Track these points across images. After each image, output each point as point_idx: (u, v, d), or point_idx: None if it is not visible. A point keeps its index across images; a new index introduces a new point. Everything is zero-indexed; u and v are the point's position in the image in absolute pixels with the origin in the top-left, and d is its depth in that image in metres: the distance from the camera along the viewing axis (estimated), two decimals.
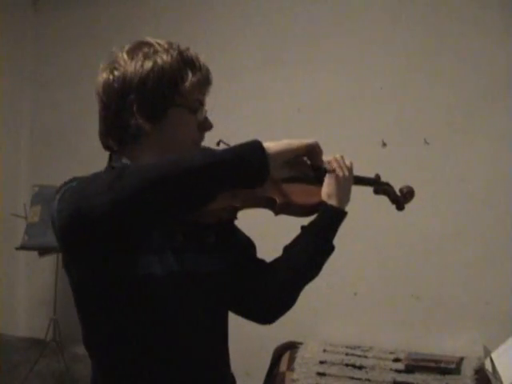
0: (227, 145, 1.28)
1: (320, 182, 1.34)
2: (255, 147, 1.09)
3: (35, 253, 3.68)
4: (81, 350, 4.27)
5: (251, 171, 1.09)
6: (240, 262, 1.37)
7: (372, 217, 2.79)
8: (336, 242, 1.42)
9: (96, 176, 1.11)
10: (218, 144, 1.32)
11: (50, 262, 3.70)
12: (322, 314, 3.08)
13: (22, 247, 3.52)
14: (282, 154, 1.13)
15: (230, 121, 3.09)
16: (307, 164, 1.23)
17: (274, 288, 1.37)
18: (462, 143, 2.92)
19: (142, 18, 3.83)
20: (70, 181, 1.15)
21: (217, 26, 3.53)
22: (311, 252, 1.36)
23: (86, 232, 1.06)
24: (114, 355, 1.22)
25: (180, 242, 1.25)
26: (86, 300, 1.23)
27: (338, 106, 3.17)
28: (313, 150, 1.21)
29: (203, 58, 1.28)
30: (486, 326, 2.79)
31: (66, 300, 4.25)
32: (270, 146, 1.11)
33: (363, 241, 3.00)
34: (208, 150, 1.13)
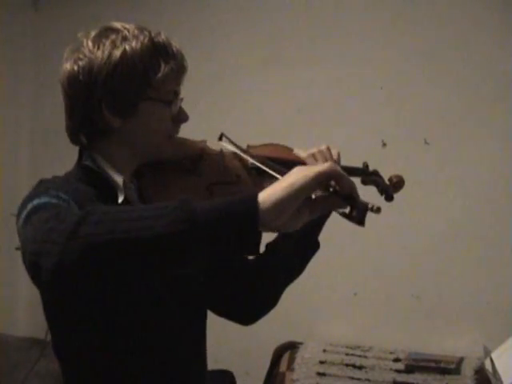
0: (229, 139, 1.23)
1: (361, 223, 0.96)
2: (244, 207, 0.81)
3: None
4: None
5: (235, 240, 0.81)
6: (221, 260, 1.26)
7: (371, 217, 2.78)
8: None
9: (57, 218, 0.93)
10: (221, 138, 1.26)
11: None
12: (321, 314, 3.08)
13: None
14: (284, 205, 0.82)
15: (229, 121, 3.09)
16: (337, 192, 0.91)
17: (257, 287, 1.32)
18: (462, 143, 2.92)
19: (142, 17, 3.81)
20: (35, 195, 1.04)
21: (216, 26, 3.53)
22: (295, 250, 1.30)
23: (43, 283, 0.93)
24: (87, 364, 1.15)
25: None
26: (58, 313, 1.16)
27: (337, 106, 3.16)
28: (329, 179, 0.88)
29: (177, 43, 1.17)
30: (486, 326, 2.79)
31: None
32: (266, 197, 0.82)
33: (363, 241, 3.00)
34: (184, 204, 0.84)
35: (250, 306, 1.35)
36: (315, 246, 1.33)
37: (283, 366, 2.89)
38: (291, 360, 2.88)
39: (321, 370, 2.80)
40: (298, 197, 0.84)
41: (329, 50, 3.21)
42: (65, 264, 0.86)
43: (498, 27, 2.87)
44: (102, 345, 1.14)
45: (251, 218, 0.80)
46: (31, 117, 4.26)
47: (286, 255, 1.30)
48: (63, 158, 4.61)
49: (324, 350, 2.90)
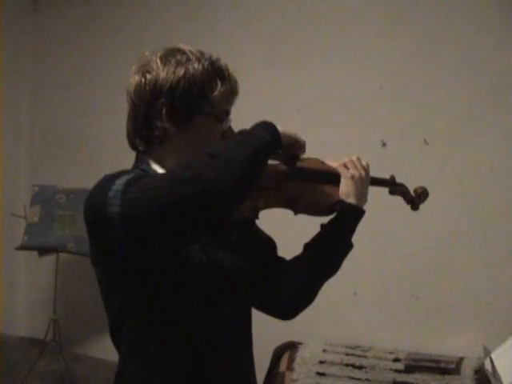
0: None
1: (317, 185, 1.41)
2: (274, 126, 1.22)
3: (35, 253, 3.68)
4: (80, 349, 4.29)
5: (276, 146, 1.23)
6: (260, 260, 1.40)
7: (371, 217, 2.78)
8: None
9: (190, 167, 1.13)
10: None
11: (50, 261, 3.70)
12: (321, 314, 3.07)
13: (22, 247, 3.52)
14: (284, 137, 1.25)
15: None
16: (288, 154, 1.34)
17: (295, 285, 1.42)
18: (462, 143, 2.92)
19: (142, 17, 3.84)
20: (124, 173, 1.16)
21: (216, 26, 3.53)
22: (331, 249, 1.41)
23: (208, 213, 1.09)
24: (143, 343, 1.26)
25: (203, 238, 1.28)
26: (121, 290, 1.25)
27: (337, 106, 3.17)
28: (299, 143, 1.31)
29: (231, 69, 1.33)
30: (486, 326, 2.79)
31: (66, 300, 4.26)
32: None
33: (363, 241, 2.99)
34: (246, 132, 1.22)
35: (289, 302, 1.45)
36: (349, 247, 1.44)
37: (283, 366, 2.90)
38: (291, 360, 2.89)
39: (321, 370, 2.80)
40: (286, 136, 1.26)
41: (329, 50, 3.21)
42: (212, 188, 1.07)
43: (498, 27, 2.86)
44: (159, 323, 1.25)
45: (275, 129, 1.22)
46: (31, 117, 4.26)
47: (322, 255, 1.41)
48: (63, 158, 4.62)
49: (324, 350, 2.90)
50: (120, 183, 1.11)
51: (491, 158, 2.86)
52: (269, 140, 1.18)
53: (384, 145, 3.05)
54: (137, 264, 1.19)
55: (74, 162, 3.93)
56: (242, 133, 1.21)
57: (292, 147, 1.31)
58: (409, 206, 1.60)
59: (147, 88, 1.26)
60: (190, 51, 1.29)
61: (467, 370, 2.61)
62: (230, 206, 1.13)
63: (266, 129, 1.21)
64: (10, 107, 4.11)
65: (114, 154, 3.59)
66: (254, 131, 1.20)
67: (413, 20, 3.04)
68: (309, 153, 1.36)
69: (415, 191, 1.59)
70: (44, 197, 3.55)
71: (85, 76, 4.01)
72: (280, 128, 1.23)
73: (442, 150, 2.96)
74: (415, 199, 1.59)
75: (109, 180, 1.14)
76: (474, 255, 2.85)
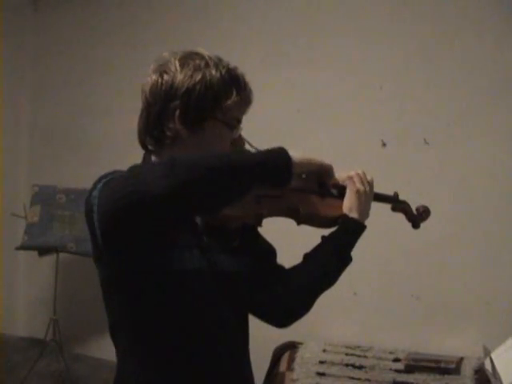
0: None
1: (322, 197, 1.40)
2: (284, 154, 1.18)
3: (35, 253, 3.68)
4: (80, 349, 4.29)
5: (279, 173, 1.18)
6: (260, 266, 1.41)
7: (371, 217, 2.78)
8: None
9: (146, 166, 1.16)
10: None
11: (50, 261, 3.70)
12: (321, 314, 3.05)
13: (22, 247, 3.52)
14: (302, 165, 1.22)
15: None
16: (316, 181, 1.35)
17: (291, 293, 1.43)
18: (462, 143, 2.92)
19: (142, 18, 3.83)
20: (111, 173, 1.18)
21: (216, 26, 3.53)
22: (329, 262, 1.43)
23: (139, 215, 1.07)
24: (142, 343, 1.27)
25: (205, 242, 1.29)
26: (119, 290, 1.27)
27: (337, 106, 3.17)
28: (327, 171, 1.31)
29: (247, 78, 1.35)
30: (486, 326, 2.79)
31: (66, 300, 4.27)
32: (294, 155, 1.19)
33: (363, 241, 2.99)
34: (247, 151, 1.22)
35: (284, 310, 1.45)
36: (348, 260, 1.46)
37: (283, 366, 2.90)
38: (291, 360, 2.88)
39: (321, 370, 2.80)
40: (309, 168, 1.25)
41: (329, 50, 3.21)
42: (176, 187, 1.06)
43: (498, 27, 2.87)
44: (159, 326, 1.26)
45: (289, 160, 1.18)
46: (31, 117, 4.26)
47: (321, 266, 1.43)
48: (63, 158, 4.62)
49: (324, 350, 2.90)
50: (101, 183, 1.14)
51: (491, 158, 2.86)
52: (258, 161, 1.15)
53: (384, 145, 3.05)
54: (124, 263, 1.21)
55: (74, 162, 3.93)
56: (240, 150, 1.21)
57: (319, 174, 1.31)
58: (410, 224, 1.62)
59: (163, 88, 1.26)
60: (208, 57, 1.29)
61: (467, 369, 2.61)
62: (170, 213, 1.09)
63: (270, 152, 1.18)
64: (10, 107, 4.11)
65: (114, 153, 3.60)
66: (251, 151, 1.19)
67: (413, 20, 3.04)
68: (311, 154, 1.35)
69: (417, 210, 1.61)
70: (44, 197, 3.55)
71: (85, 76, 4.01)
72: (295, 153, 1.19)
73: (441, 150, 2.96)
74: (417, 217, 1.61)
75: (98, 179, 1.18)
76: (474, 255, 2.85)
